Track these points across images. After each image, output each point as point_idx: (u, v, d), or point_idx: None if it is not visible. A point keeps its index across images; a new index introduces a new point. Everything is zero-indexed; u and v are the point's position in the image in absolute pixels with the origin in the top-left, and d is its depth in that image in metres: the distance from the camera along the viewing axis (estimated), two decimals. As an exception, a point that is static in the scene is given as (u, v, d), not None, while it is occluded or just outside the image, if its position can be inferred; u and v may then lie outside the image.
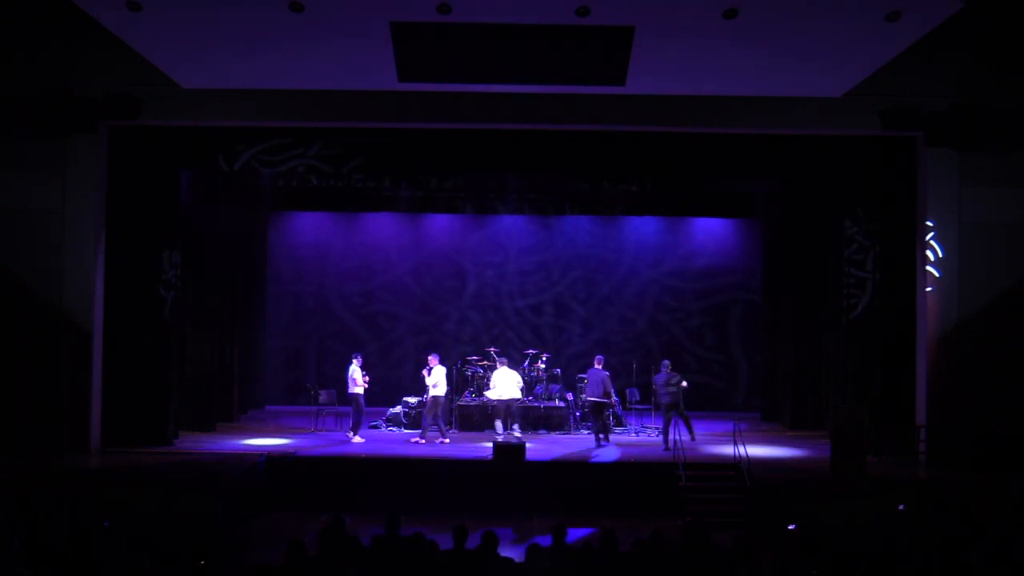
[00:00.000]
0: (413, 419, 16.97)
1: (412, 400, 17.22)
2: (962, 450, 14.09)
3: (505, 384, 16.28)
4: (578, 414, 17.38)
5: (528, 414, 16.97)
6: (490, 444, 14.44)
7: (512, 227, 20.51)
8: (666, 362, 15.89)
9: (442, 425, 15.88)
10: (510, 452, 14.05)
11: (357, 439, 15.73)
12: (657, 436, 16.05)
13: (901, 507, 10.64)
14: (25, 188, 14.55)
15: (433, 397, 15.67)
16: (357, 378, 15.81)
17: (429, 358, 15.92)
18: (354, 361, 15.98)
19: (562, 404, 17.20)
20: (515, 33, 12.38)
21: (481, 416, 16.96)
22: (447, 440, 15.66)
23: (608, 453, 15.04)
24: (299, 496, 13.68)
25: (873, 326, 15.44)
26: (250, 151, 15.14)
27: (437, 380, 15.68)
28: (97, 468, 13.34)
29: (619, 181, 18.03)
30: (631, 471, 14.14)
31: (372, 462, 14.26)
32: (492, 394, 16.45)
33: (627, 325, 20.38)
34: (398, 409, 17.29)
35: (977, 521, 8.83)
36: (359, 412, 15.84)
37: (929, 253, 14.65)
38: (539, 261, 20.50)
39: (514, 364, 17.74)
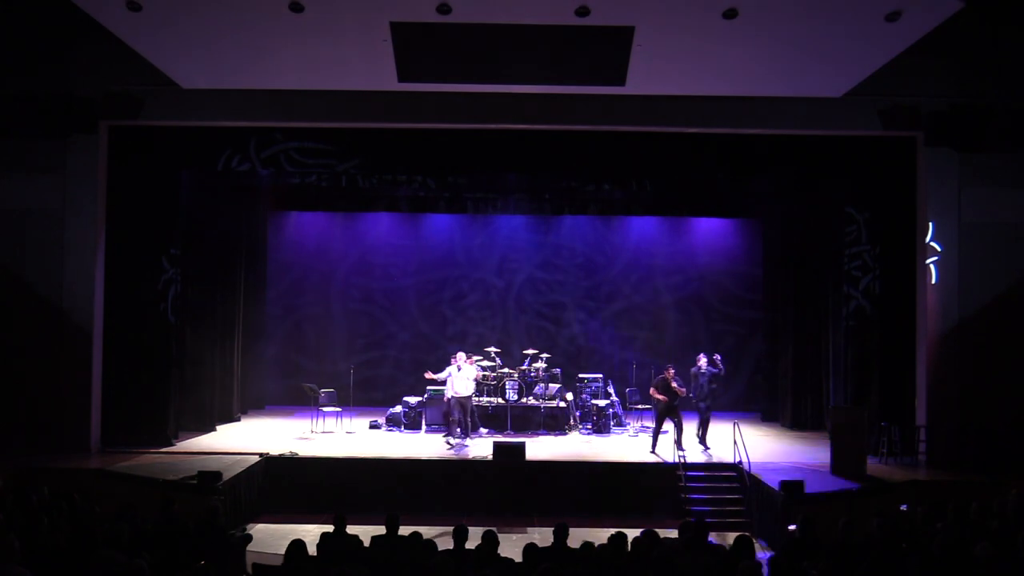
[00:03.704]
0: (413, 419, 16.97)
1: (412, 400, 17.20)
2: (962, 450, 14.10)
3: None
4: (578, 414, 17.38)
5: (528, 414, 16.96)
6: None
7: (512, 227, 20.51)
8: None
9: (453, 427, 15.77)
10: (510, 452, 14.05)
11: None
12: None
13: (902, 507, 10.64)
14: (25, 188, 14.56)
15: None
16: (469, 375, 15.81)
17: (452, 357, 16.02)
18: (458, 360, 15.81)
19: (562, 404, 17.19)
20: (515, 33, 12.36)
21: (480, 416, 16.98)
22: (448, 442, 15.58)
23: (608, 453, 15.05)
24: (299, 496, 13.70)
25: (873, 326, 15.45)
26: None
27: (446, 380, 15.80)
28: (97, 468, 13.33)
29: (619, 181, 18.02)
30: (631, 471, 14.14)
31: (372, 462, 14.26)
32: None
33: (627, 325, 20.37)
34: (398, 409, 17.26)
35: (977, 521, 8.82)
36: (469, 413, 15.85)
37: (931, 267, 14.67)
38: (539, 261, 20.49)
39: (514, 364, 17.77)
